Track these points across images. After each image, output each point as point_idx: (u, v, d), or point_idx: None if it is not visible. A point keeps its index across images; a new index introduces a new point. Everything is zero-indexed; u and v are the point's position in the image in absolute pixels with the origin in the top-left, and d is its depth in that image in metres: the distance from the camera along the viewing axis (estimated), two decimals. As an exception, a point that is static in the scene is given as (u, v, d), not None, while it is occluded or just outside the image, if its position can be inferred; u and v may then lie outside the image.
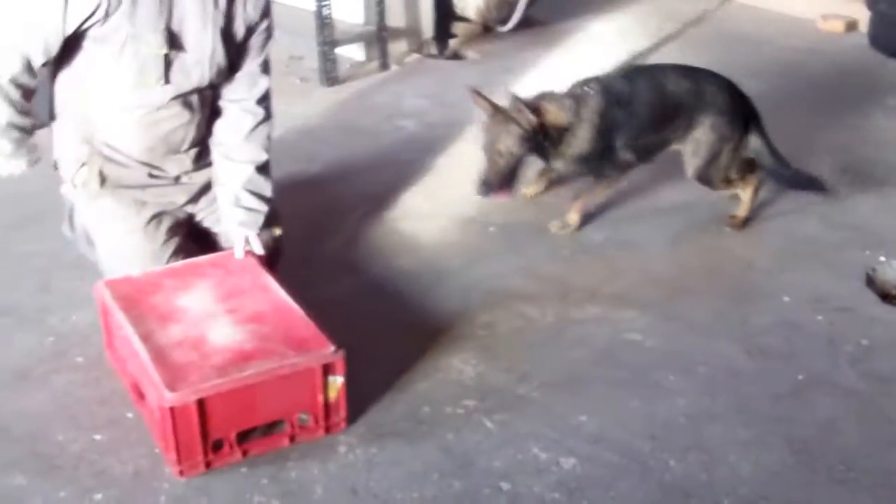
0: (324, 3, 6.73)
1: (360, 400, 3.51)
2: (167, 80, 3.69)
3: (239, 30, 3.77)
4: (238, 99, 3.92)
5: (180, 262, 3.86)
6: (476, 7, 7.70)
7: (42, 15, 3.49)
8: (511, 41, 7.73)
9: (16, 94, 3.59)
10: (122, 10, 3.49)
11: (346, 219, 4.87)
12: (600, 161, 4.63)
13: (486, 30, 7.95)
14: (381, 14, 7.11)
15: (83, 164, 3.87)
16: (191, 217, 4.08)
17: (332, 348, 3.32)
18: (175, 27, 3.61)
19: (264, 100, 3.95)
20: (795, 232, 4.84)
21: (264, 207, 3.95)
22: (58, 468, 3.28)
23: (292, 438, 3.39)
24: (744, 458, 3.34)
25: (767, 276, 4.47)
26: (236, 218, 3.93)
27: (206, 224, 4.11)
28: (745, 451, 3.36)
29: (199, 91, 3.80)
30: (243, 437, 3.32)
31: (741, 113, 4.71)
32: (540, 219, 4.82)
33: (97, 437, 3.41)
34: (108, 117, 3.80)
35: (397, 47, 7.38)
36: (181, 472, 3.24)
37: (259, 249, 3.90)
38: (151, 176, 3.93)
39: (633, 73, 4.83)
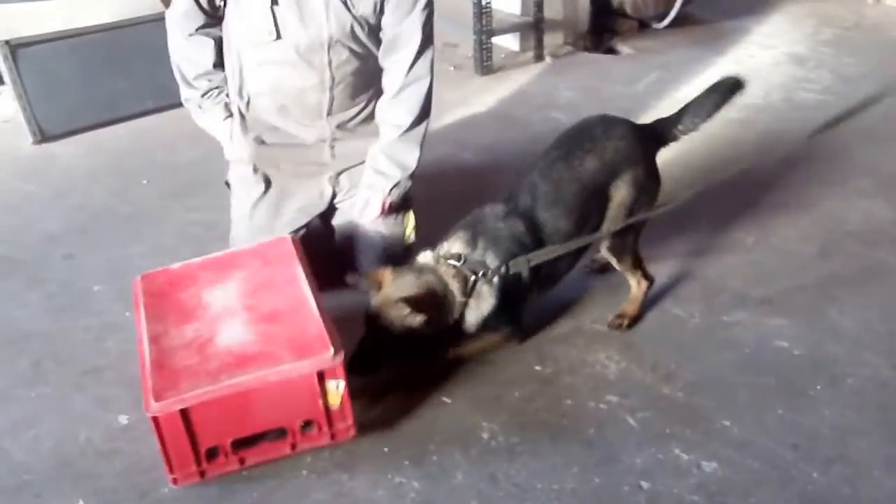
0: (483, -8, 6.77)
1: (504, 387, 3.55)
2: (278, 35, 3.79)
3: None
4: (389, 60, 3.96)
5: (221, 253, 3.82)
6: (633, 2, 7.67)
7: None
8: (666, 38, 7.68)
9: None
10: None
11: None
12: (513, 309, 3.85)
13: (642, 26, 7.91)
14: (539, 5, 7.12)
15: (229, 116, 4.09)
16: (331, 196, 4.18)
17: (331, 352, 3.17)
18: None
19: (416, 62, 3.93)
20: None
21: (397, 173, 4.00)
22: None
23: (293, 447, 3.30)
24: (889, 474, 3.27)
25: (920, 290, 4.37)
26: (366, 179, 4.03)
27: (341, 206, 4.21)
28: (891, 467, 3.29)
29: (325, 50, 3.85)
30: (246, 442, 3.25)
31: (650, 150, 3.95)
32: (692, 218, 4.77)
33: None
34: (247, 73, 3.97)
35: (552, 39, 7.39)
36: (175, 481, 3.21)
37: (373, 213, 4.02)
38: (291, 144, 4.08)
39: (533, 185, 3.81)
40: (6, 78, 6.20)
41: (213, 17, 3.90)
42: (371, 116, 4.10)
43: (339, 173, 4.12)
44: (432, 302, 3.54)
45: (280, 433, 3.27)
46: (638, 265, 4.02)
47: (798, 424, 3.47)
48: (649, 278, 4.05)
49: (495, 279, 3.64)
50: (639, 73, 6.79)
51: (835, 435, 3.42)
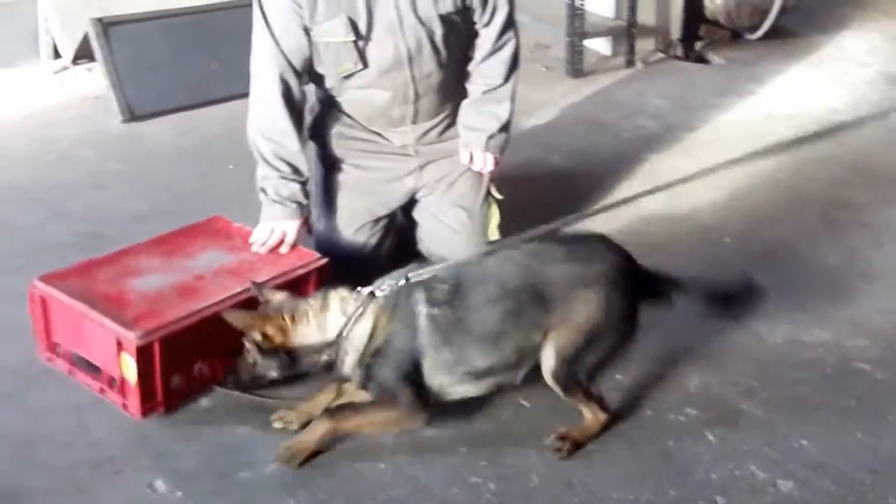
0: (578, -6, 6.79)
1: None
2: (365, 65, 3.87)
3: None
4: (480, 30, 4.03)
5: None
6: (726, 12, 7.64)
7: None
8: (759, 49, 7.64)
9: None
10: (308, 11, 3.75)
11: (580, 212, 4.87)
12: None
13: (735, 36, 7.88)
14: (633, 10, 7.13)
15: (317, 114, 4.19)
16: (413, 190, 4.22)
17: (133, 332, 3.36)
18: (360, 12, 3.77)
19: (505, 27, 4.02)
20: None
21: (491, 125, 4.09)
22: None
23: (101, 391, 3.58)
24: (969, 506, 3.26)
25: None
26: (461, 139, 4.13)
27: (423, 202, 4.25)
28: (971, 500, 3.28)
29: (406, 66, 3.90)
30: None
31: (633, 291, 3.46)
32: (778, 235, 4.77)
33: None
34: (332, 89, 4.06)
35: (643, 45, 7.40)
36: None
37: (481, 166, 4.12)
38: (376, 142, 4.14)
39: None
40: (97, 55, 6.32)
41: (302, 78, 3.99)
42: (454, 123, 4.18)
43: (423, 166, 4.17)
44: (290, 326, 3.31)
45: None
46: (592, 397, 3.43)
47: (877, 449, 3.44)
48: (608, 412, 3.45)
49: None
50: (730, 84, 6.77)
51: (914, 462, 3.41)
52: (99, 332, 3.48)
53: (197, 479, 3.27)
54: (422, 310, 3.29)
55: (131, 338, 3.37)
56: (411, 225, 4.29)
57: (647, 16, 7.38)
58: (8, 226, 4.95)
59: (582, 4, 6.85)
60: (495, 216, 4.20)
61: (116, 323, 3.42)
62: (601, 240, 3.57)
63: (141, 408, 3.48)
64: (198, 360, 3.59)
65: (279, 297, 3.40)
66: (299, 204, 3.95)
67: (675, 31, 7.64)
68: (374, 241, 4.12)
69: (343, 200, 4.14)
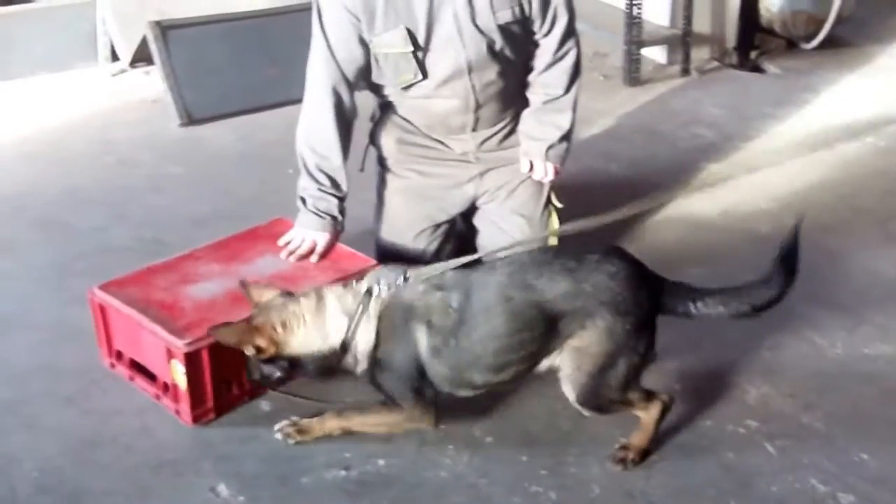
0: (635, 2, 6.80)
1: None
2: (424, 75, 3.89)
3: (496, 1, 3.82)
4: (541, 40, 4.02)
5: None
6: (782, 21, 7.59)
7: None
8: (814, 59, 7.58)
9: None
10: (366, 22, 3.77)
11: (641, 220, 4.90)
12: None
13: (790, 45, 7.82)
14: (689, 19, 7.11)
15: (378, 120, 4.21)
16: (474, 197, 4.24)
17: (181, 340, 3.43)
18: (419, 23, 3.79)
19: (565, 38, 4.01)
20: None
21: (551, 134, 4.09)
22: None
23: (157, 397, 3.67)
24: None
25: None
26: (522, 147, 4.15)
27: (484, 209, 4.26)
28: None
29: (466, 75, 3.91)
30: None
31: (646, 305, 3.28)
32: (837, 247, 4.74)
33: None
34: (392, 99, 4.10)
35: (699, 53, 7.37)
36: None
37: (541, 175, 4.15)
38: (437, 149, 4.17)
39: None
40: (156, 59, 6.37)
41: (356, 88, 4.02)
42: (514, 130, 4.19)
43: (483, 173, 4.18)
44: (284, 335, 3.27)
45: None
46: (632, 403, 3.35)
47: (939, 464, 3.43)
48: (661, 399, 3.37)
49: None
50: (785, 94, 6.74)
51: (976, 478, 3.38)
52: (152, 339, 3.55)
53: (258, 483, 3.30)
54: (422, 339, 3.24)
55: (180, 345, 3.43)
56: (471, 231, 4.30)
57: (702, 24, 7.35)
58: (70, 227, 5.01)
59: (639, 13, 6.85)
60: (555, 224, 4.20)
61: (167, 331, 3.49)
62: (614, 253, 3.33)
63: (192, 414, 3.54)
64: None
65: (267, 297, 3.35)
66: (334, 218, 4.01)
67: (731, 39, 7.60)
68: (433, 246, 4.14)
69: (403, 206, 4.16)
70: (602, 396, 3.28)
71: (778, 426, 3.57)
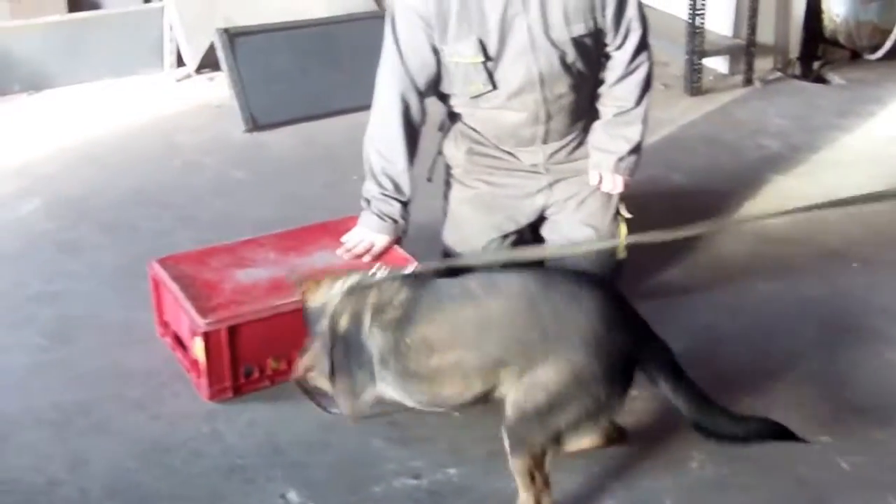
0: (698, 12, 6.76)
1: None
2: (494, 87, 3.89)
3: (570, 14, 3.82)
4: (613, 52, 4.02)
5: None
6: (846, 32, 7.52)
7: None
8: (880, 70, 7.49)
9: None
10: (438, 30, 3.78)
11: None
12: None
13: (854, 56, 7.75)
14: (752, 28, 7.07)
15: (448, 129, 4.22)
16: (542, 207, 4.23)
17: (203, 320, 3.58)
18: (491, 33, 3.79)
19: (638, 50, 4.00)
20: None
21: (621, 147, 4.08)
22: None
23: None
24: None
25: None
26: (591, 159, 4.13)
27: (553, 219, 4.25)
28: None
29: (538, 88, 3.91)
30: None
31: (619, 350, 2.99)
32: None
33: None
34: (462, 109, 4.10)
35: (761, 64, 7.30)
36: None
37: (610, 187, 4.13)
38: (506, 160, 4.16)
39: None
40: (223, 65, 6.41)
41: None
42: (584, 142, 4.18)
43: (552, 184, 4.16)
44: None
45: None
46: (537, 475, 3.03)
47: None
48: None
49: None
50: (850, 105, 6.68)
51: None
52: (183, 315, 3.73)
53: (329, 491, 3.30)
54: (367, 323, 3.23)
55: (201, 324, 3.59)
56: (538, 242, 4.28)
57: (765, 35, 7.30)
58: (137, 229, 5.06)
59: (702, 24, 6.82)
60: (624, 235, 4.18)
61: (195, 308, 3.64)
62: (589, 283, 3.11)
63: (209, 390, 3.70)
64: (271, 354, 3.75)
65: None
66: (395, 221, 4.03)
67: (794, 50, 7.54)
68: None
69: (471, 215, 4.15)
70: (529, 432, 2.99)
71: (851, 442, 3.52)
